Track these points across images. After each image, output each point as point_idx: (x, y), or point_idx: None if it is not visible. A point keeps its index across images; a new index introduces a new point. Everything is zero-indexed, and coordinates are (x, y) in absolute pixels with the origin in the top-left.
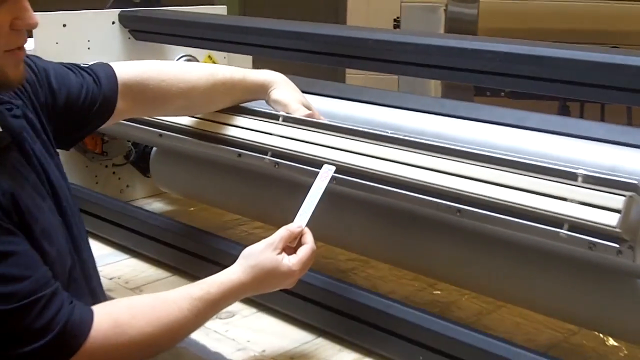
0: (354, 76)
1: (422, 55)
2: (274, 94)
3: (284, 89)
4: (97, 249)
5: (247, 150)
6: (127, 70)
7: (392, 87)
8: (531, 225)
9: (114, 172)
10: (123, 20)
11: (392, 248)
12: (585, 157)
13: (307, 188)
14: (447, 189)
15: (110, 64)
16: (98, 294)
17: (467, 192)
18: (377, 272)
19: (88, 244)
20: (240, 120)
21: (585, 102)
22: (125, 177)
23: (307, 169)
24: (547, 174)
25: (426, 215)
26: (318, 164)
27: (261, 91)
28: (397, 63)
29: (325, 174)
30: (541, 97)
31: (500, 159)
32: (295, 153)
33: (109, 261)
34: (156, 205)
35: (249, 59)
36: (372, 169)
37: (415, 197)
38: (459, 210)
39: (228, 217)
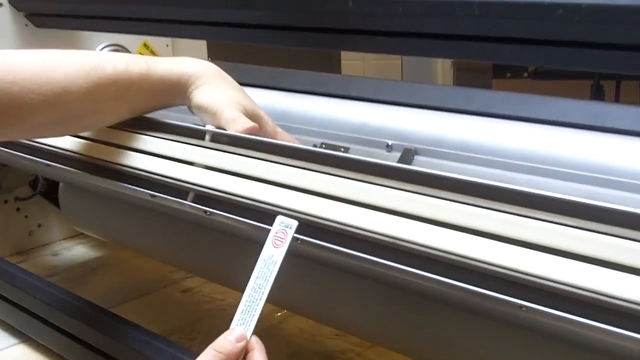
0: (350, 62)
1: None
2: (198, 96)
3: (213, 88)
4: None
5: (160, 192)
6: None
7: (395, 75)
8: None
9: (17, 209)
10: (16, 0)
11: (403, 335)
12: None
13: (260, 244)
14: (500, 269)
15: None
16: None
17: (539, 277)
18: (381, 358)
19: None
20: (147, 141)
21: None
22: (34, 214)
23: (250, 224)
24: None
25: (459, 299)
26: (269, 215)
27: (177, 92)
28: (396, 35)
29: (281, 235)
30: (570, 77)
31: (604, 210)
32: (229, 197)
33: None
34: (78, 252)
35: (203, 45)
36: (361, 228)
37: (437, 280)
38: (523, 307)
39: (170, 268)
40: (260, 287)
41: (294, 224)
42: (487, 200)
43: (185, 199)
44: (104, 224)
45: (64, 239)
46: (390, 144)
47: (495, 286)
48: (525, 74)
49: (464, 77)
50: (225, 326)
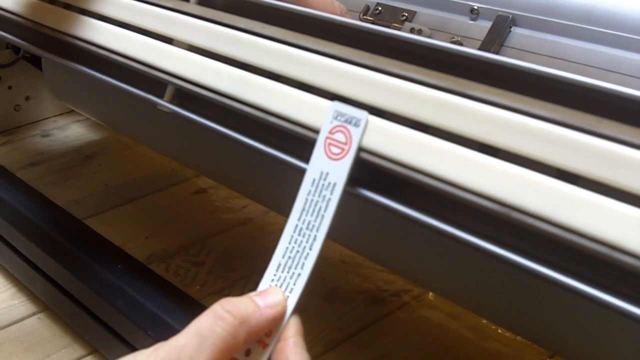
0: None
1: None
2: None
3: None
4: None
5: (127, 80)
6: None
7: None
8: None
9: None
10: None
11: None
12: None
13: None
14: None
15: None
16: None
17: None
18: (443, 303)
19: None
20: (107, 1)
21: None
22: (20, 85)
23: (259, 148)
24: None
25: None
26: (288, 135)
27: None
28: None
29: (340, 138)
30: None
31: None
32: (227, 101)
33: None
34: (73, 132)
35: None
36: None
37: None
38: None
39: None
40: (311, 226)
41: (362, 116)
42: None
43: (162, 97)
44: (93, 104)
45: (58, 114)
46: (476, 7)
47: None
48: None
49: None
50: (245, 248)
